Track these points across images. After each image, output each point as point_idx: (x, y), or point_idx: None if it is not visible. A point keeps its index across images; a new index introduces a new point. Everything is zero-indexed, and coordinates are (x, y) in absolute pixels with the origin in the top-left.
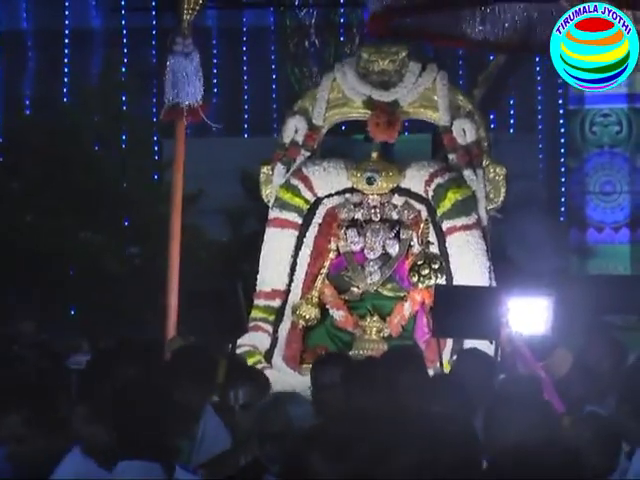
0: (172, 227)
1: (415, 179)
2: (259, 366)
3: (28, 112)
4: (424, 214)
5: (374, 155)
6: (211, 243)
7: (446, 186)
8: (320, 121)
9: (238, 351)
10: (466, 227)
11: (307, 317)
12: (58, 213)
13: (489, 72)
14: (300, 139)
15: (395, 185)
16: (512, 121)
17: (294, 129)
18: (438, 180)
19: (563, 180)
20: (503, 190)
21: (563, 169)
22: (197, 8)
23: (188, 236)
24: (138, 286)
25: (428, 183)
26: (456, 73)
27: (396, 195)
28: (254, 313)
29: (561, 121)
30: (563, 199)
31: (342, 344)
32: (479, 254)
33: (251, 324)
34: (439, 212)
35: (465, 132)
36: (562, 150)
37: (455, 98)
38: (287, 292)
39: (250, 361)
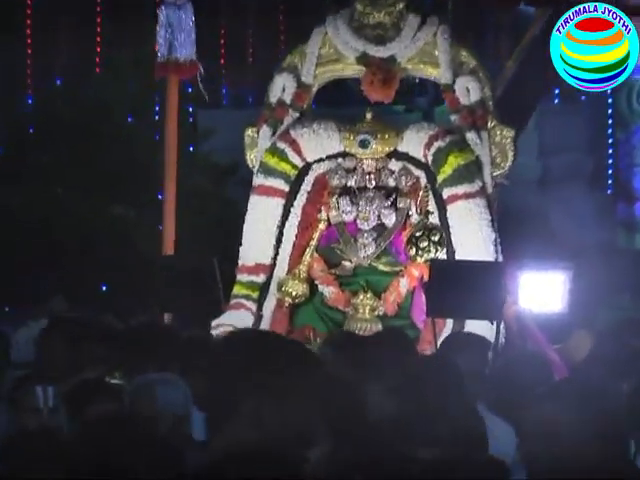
0: (166, 193)
1: (413, 142)
2: None
3: (59, 82)
4: (423, 181)
5: (368, 116)
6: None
7: (447, 150)
8: (310, 79)
9: (215, 332)
10: (469, 195)
11: (294, 294)
12: (88, 188)
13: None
14: (288, 98)
15: (392, 149)
16: (556, 91)
17: (281, 88)
18: (438, 143)
19: (610, 152)
20: (511, 154)
21: (610, 141)
22: None
23: (223, 208)
24: None
25: (427, 146)
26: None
27: (393, 160)
28: (236, 289)
29: (607, 91)
30: (610, 171)
31: (332, 324)
32: (483, 225)
33: (232, 301)
34: (439, 178)
35: (469, 91)
36: (609, 121)
37: (458, 54)
38: (272, 266)
39: None
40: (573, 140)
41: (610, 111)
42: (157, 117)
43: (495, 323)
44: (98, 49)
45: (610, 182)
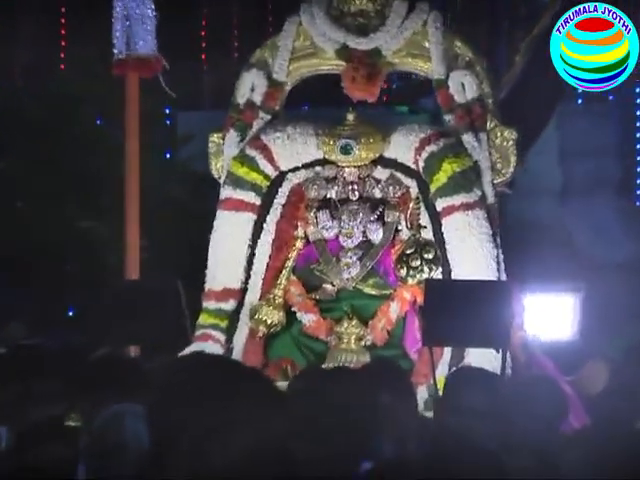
0: (128, 206)
1: (402, 147)
2: None
3: (20, 81)
4: (414, 191)
5: (350, 117)
6: None
7: (441, 155)
8: (282, 76)
9: None
10: (467, 206)
11: (269, 322)
12: (54, 198)
13: (535, 36)
14: (258, 99)
15: (377, 155)
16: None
17: (250, 86)
18: (431, 148)
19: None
20: (513, 159)
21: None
22: None
23: (200, 223)
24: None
25: (418, 151)
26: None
27: (379, 167)
28: (202, 318)
29: (637, 90)
30: (639, 180)
31: (313, 356)
32: (484, 240)
33: (198, 332)
34: (433, 188)
35: (464, 87)
36: (638, 123)
37: (452, 45)
38: (243, 291)
39: None
40: (598, 144)
41: (639, 112)
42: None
43: (501, 352)
44: (63, 43)
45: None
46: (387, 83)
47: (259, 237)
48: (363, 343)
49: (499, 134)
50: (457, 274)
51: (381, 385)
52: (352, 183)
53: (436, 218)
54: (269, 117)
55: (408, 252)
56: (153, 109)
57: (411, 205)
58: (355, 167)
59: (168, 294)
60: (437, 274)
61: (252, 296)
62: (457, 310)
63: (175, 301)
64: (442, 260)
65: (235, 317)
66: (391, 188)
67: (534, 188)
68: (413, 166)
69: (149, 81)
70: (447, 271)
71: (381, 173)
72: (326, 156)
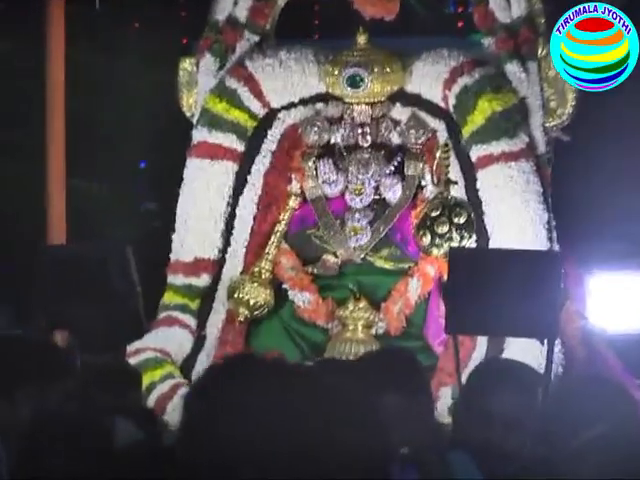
0: (50, 136)
1: (428, 78)
2: (170, 383)
3: None
4: (442, 136)
5: (361, 40)
6: None
7: (477, 89)
8: None
9: (134, 360)
10: (509, 156)
11: (252, 303)
12: None
13: None
14: (242, 14)
15: (396, 88)
16: None
17: None
18: (464, 80)
19: None
20: (571, 96)
21: None
22: None
23: None
24: None
25: (448, 85)
26: None
27: (398, 105)
28: (167, 297)
29: None
30: None
31: (308, 347)
32: (531, 200)
33: (162, 314)
34: (466, 132)
35: (509, 2)
36: None
37: None
38: (220, 263)
39: (155, 375)
40: None
41: None
42: None
43: (547, 344)
44: None
45: None
46: (462, 5)
47: (242, 193)
48: (373, 331)
49: (554, 64)
50: (496, 242)
51: (381, 383)
52: (363, 125)
53: (470, 171)
54: (256, 39)
55: (433, 215)
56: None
57: (438, 154)
58: (367, 104)
59: (111, 265)
60: (470, 243)
61: (232, 269)
62: (489, 288)
63: (121, 274)
64: (477, 225)
65: (209, 296)
66: (413, 132)
67: (594, 135)
68: (441, 104)
69: None
70: (484, 239)
71: (400, 113)
72: (330, 90)
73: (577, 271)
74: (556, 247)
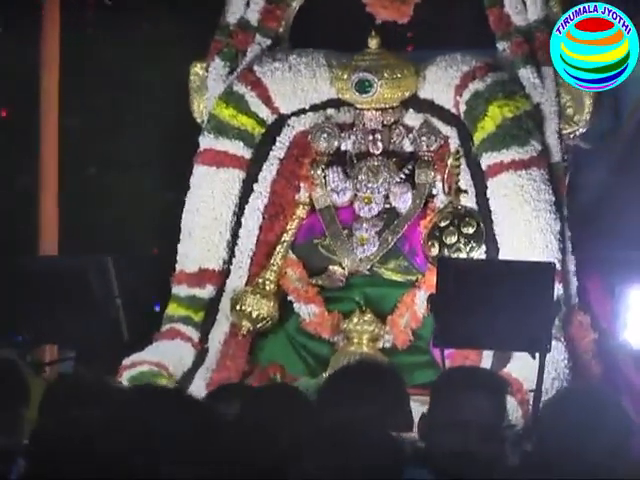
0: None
1: (440, 84)
2: None
3: None
4: (454, 143)
5: (373, 43)
6: None
7: (488, 95)
8: None
9: (129, 373)
10: (519, 164)
11: (254, 315)
12: None
13: None
14: (254, 17)
15: (407, 94)
16: None
17: (244, 1)
18: (475, 85)
19: None
20: (589, 102)
21: None
22: None
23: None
24: None
25: (459, 90)
26: None
27: (411, 111)
28: (171, 309)
29: None
30: None
31: (313, 360)
32: (542, 209)
33: (165, 327)
34: (477, 139)
35: (526, 4)
36: None
37: None
38: (225, 274)
39: None
40: None
41: None
42: None
43: (539, 358)
44: None
45: None
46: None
47: (248, 202)
48: (380, 345)
49: None
50: (505, 254)
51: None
52: (374, 132)
53: (480, 180)
54: (269, 43)
55: (442, 225)
56: None
57: (449, 162)
58: (379, 110)
59: (91, 276)
60: (479, 254)
61: (236, 280)
62: (478, 300)
63: (102, 286)
64: (487, 236)
65: (213, 308)
66: (425, 139)
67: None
68: (453, 110)
69: None
70: (493, 249)
71: (413, 119)
72: (340, 95)
73: (603, 286)
74: (570, 258)
